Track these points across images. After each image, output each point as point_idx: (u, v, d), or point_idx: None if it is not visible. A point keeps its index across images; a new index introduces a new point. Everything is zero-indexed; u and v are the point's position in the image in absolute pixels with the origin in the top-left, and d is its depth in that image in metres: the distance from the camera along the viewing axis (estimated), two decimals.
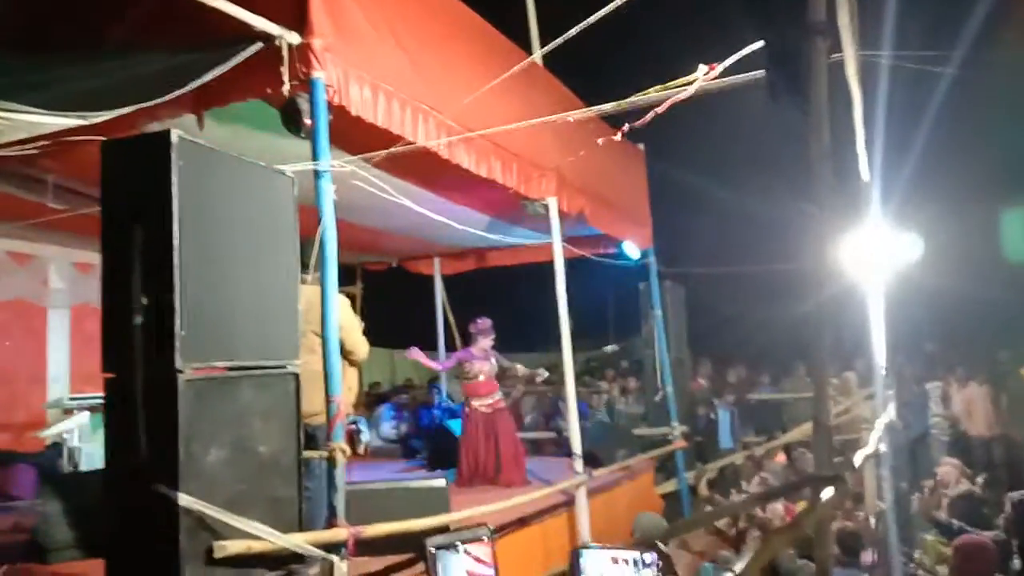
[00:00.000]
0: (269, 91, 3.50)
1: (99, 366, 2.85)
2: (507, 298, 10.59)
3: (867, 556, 5.05)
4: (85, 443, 6.12)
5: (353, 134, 3.99)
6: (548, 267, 5.94)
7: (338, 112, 3.62)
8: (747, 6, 2.97)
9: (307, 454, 3.52)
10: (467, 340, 7.05)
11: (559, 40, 4.04)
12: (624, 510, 6.55)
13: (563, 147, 5.73)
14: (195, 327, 2.76)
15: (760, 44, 3.17)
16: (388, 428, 9.73)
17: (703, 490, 8.16)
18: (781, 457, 8.91)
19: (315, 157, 3.51)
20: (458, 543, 3.83)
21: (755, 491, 7.43)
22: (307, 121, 3.46)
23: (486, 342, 6.83)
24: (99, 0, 3.90)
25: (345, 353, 3.97)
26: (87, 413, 6.15)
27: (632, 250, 7.77)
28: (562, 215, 5.88)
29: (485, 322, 6.89)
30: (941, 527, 5.64)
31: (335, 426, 3.44)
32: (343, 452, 3.43)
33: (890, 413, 5.76)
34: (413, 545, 3.90)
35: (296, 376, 3.25)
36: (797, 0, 2.70)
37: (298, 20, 3.48)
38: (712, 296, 11.77)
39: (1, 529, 5.14)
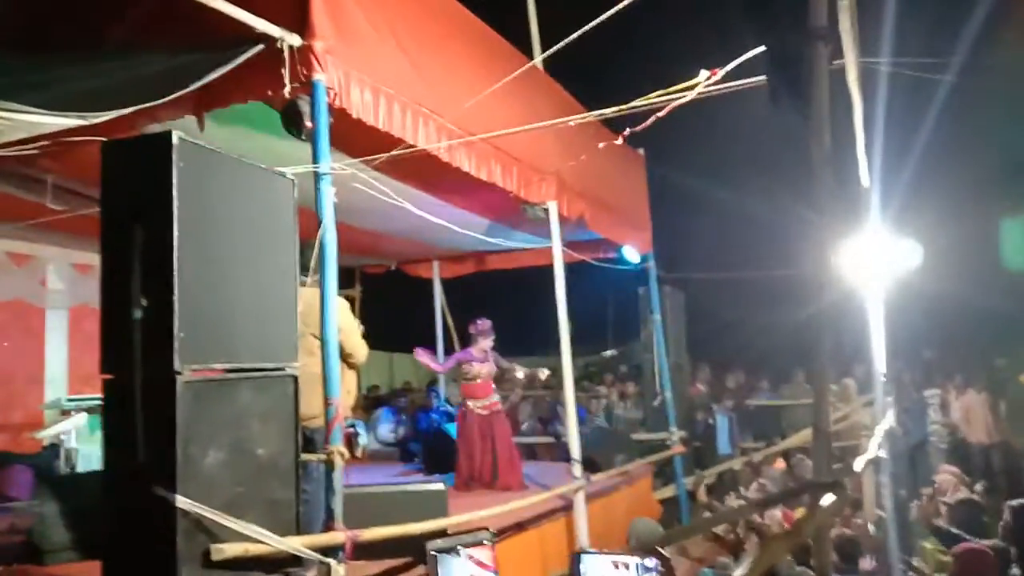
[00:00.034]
0: (270, 93, 3.50)
1: (97, 367, 2.84)
2: (506, 302, 10.55)
3: (866, 563, 5.04)
4: (82, 444, 6.09)
5: (354, 137, 3.98)
6: (547, 271, 5.94)
7: (339, 115, 3.62)
8: (748, 11, 2.97)
9: (305, 457, 3.51)
10: (466, 343, 7.03)
11: (560, 44, 4.05)
12: (622, 515, 6.53)
13: (563, 151, 5.73)
14: (194, 328, 2.75)
15: (761, 49, 3.16)
16: (386, 431, 9.69)
17: (701, 496, 8.13)
18: (780, 463, 8.89)
19: (315, 159, 3.51)
20: (459, 547, 3.82)
21: (754, 497, 7.41)
22: (308, 123, 3.47)
23: (486, 343, 6.81)
24: (99, 0, 3.91)
25: (344, 356, 3.97)
26: (84, 414, 6.14)
27: (632, 254, 7.77)
28: (562, 219, 5.88)
29: (485, 323, 6.87)
30: (940, 534, 5.61)
31: (333, 429, 3.44)
32: (341, 455, 3.43)
33: (890, 419, 5.76)
34: (411, 549, 3.89)
35: (295, 378, 3.23)
36: (798, 5, 2.70)
37: (299, 22, 3.49)
38: (711, 301, 11.76)
39: None
